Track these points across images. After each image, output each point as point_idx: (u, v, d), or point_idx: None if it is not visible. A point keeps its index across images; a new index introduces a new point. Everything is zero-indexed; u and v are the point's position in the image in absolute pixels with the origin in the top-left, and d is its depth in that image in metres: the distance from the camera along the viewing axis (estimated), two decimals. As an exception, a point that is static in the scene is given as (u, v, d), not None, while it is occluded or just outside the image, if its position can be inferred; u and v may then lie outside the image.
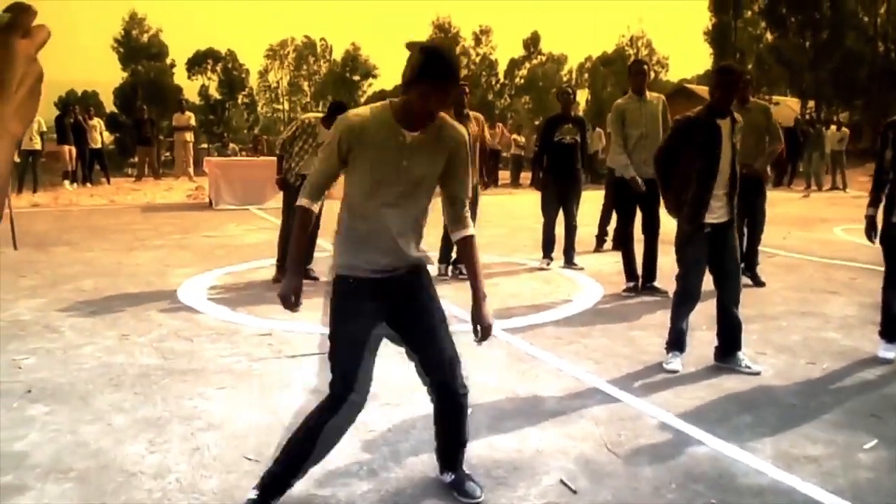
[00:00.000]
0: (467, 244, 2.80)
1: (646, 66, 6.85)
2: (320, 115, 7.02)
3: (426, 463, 3.13)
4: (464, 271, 7.29)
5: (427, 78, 2.47)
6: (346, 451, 3.24)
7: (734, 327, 4.52)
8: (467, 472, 2.97)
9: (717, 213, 4.47)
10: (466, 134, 2.75)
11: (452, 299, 5.44)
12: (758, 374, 4.39)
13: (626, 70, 7.29)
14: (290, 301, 2.70)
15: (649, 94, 6.73)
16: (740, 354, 4.51)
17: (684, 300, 4.54)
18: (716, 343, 4.59)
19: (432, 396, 2.84)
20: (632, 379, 4.32)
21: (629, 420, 3.68)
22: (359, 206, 2.66)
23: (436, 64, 2.47)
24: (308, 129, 6.81)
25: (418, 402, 3.77)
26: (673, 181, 4.61)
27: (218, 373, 4.35)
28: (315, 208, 2.73)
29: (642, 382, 4.25)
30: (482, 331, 2.73)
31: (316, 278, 6.89)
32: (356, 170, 2.63)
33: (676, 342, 4.56)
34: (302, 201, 2.73)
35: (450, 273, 7.20)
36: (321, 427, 2.60)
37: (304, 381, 4.17)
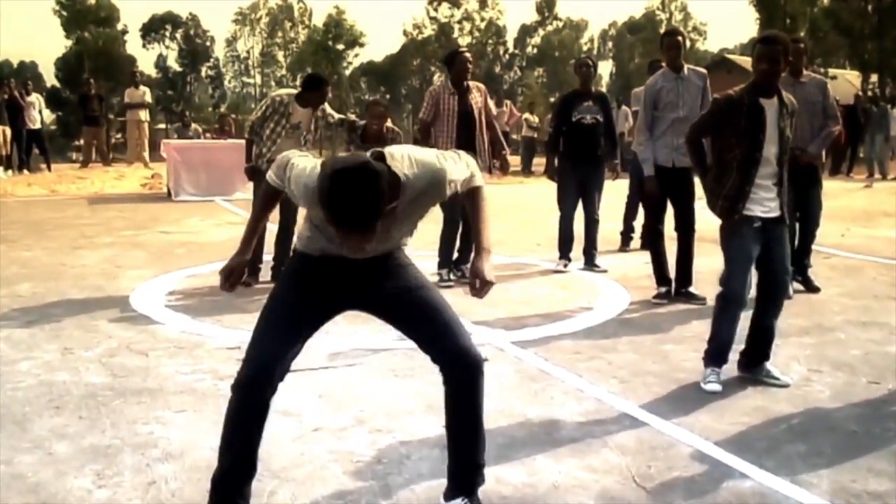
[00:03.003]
0: (473, 194, 2.84)
1: (681, 38, 6.81)
2: (294, 91, 7.01)
3: (422, 499, 3.13)
4: (467, 274, 7.28)
5: (333, 222, 2.41)
6: (328, 484, 3.24)
7: (769, 337, 4.62)
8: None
9: (768, 206, 4.47)
10: (441, 170, 2.70)
11: (455, 308, 5.43)
12: (787, 385, 4.49)
13: (657, 39, 7.27)
14: (227, 277, 2.89)
15: (687, 69, 6.70)
16: (768, 365, 4.61)
17: (728, 304, 4.54)
18: (743, 351, 4.65)
19: (446, 374, 2.85)
20: (664, 401, 4.32)
21: (661, 449, 3.68)
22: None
23: (339, 212, 2.38)
24: (280, 107, 6.80)
25: (412, 428, 3.77)
26: (706, 162, 4.65)
27: (177, 393, 4.34)
28: (283, 188, 2.84)
29: (676, 405, 4.25)
30: (480, 284, 2.75)
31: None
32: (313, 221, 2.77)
33: (717, 355, 4.56)
34: (271, 178, 2.86)
35: (452, 278, 7.17)
36: (230, 411, 2.82)
37: (276, 403, 4.14)
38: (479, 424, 2.90)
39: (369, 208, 2.36)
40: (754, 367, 4.62)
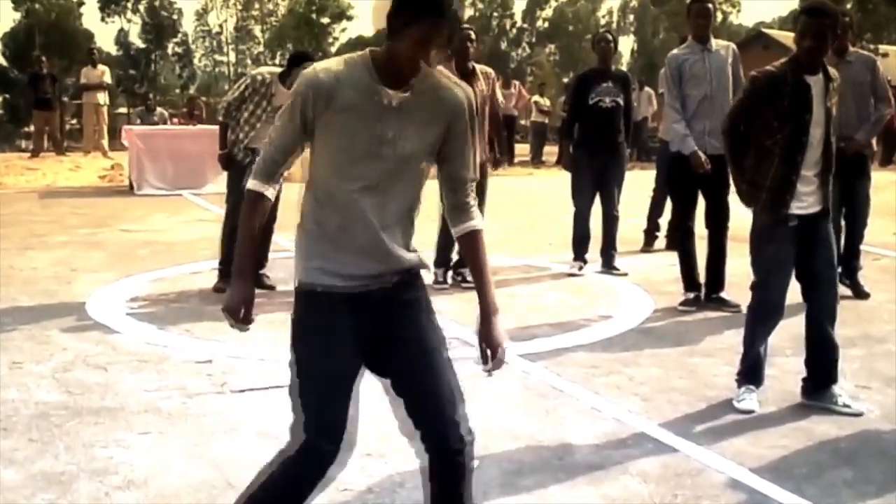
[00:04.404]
0: (472, 241, 2.78)
1: (710, 6, 6.85)
2: (277, 69, 7.03)
3: (418, 533, 3.13)
4: (468, 278, 7.30)
5: (429, 15, 2.47)
6: (311, 516, 3.24)
7: (829, 352, 4.53)
8: None
9: (806, 201, 4.46)
10: (473, 95, 2.74)
11: (454, 316, 5.44)
12: (860, 414, 4.41)
13: (684, 11, 7.30)
14: (239, 315, 2.73)
15: (715, 43, 6.74)
16: (836, 389, 4.52)
17: (763, 315, 4.55)
18: (803, 374, 4.59)
19: (426, 447, 2.84)
20: (691, 421, 4.33)
21: (688, 476, 3.68)
22: (328, 192, 2.66)
23: None
24: (261, 88, 6.81)
25: (407, 452, 3.76)
26: (745, 158, 4.61)
27: (140, 413, 4.34)
28: (269, 193, 2.71)
29: (706, 426, 4.26)
30: (492, 355, 2.73)
31: (272, 287, 6.89)
32: (324, 143, 2.62)
33: (751, 372, 4.56)
34: (252, 183, 2.71)
35: (449, 280, 7.20)
36: (286, 484, 2.66)
37: (255, 424, 4.17)
38: (468, 498, 2.85)
39: None
40: (821, 391, 4.52)
